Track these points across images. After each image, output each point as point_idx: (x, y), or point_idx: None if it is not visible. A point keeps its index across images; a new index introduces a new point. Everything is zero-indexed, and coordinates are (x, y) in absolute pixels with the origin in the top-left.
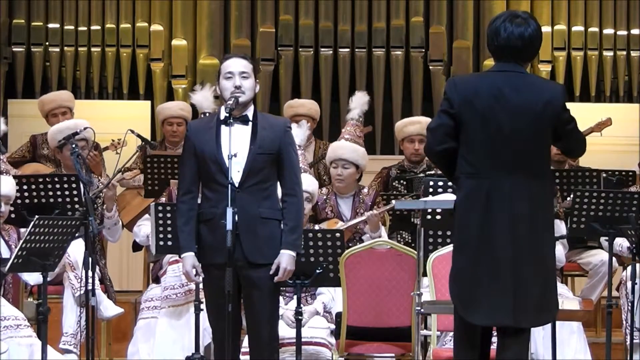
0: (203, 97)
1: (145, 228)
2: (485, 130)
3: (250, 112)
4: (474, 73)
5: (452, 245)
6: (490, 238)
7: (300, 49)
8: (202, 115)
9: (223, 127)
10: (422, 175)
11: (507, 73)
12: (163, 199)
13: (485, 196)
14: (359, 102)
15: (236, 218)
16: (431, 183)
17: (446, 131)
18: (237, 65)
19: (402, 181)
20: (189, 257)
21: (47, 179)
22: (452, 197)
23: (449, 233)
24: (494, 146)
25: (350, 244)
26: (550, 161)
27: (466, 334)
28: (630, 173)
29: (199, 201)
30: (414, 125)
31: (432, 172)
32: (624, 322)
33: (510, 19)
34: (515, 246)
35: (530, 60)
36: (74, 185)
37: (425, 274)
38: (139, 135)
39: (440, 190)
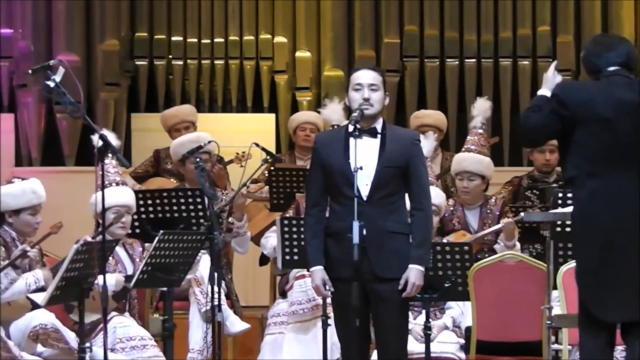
0: (331, 110)
1: (272, 240)
2: (604, 131)
3: (379, 125)
4: (582, 81)
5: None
6: (615, 235)
7: (425, 60)
8: (331, 128)
9: (351, 139)
10: (555, 185)
11: (618, 77)
12: (290, 212)
13: (609, 194)
14: (481, 108)
15: (364, 232)
16: (560, 194)
17: (548, 133)
18: (366, 77)
19: (534, 191)
20: (318, 270)
21: (171, 194)
22: None
23: None
24: (614, 146)
25: (478, 256)
26: None
27: (595, 335)
28: None
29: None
30: None
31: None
32: None
33: (602, 44)
34: None
35: (631, 73)
36: (198, 200)
37: (555, 287)
38: (263, 149)
39: (569, 202)
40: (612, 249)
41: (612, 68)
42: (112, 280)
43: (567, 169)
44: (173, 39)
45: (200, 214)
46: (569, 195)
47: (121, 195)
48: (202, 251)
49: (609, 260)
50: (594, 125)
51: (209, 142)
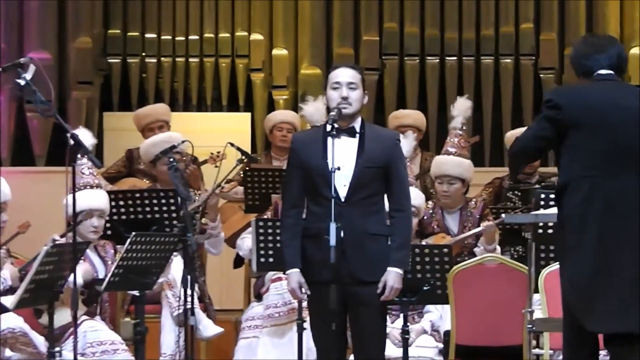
0: (315, 109)
1: (248, 241)
2: (600, 132)
3: (357, 124)
4: (574, 84)
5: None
6: (613, 239)
7: (405, 58)
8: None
9: (329, 139)
10: (537, 186)
11: (611, 82)
12: (269, 214)
13: (605, 196)
14: (461, 108)
15: (341, 233)
16: (542, 196)
17: (544, 143)
18: (344, 75)
19: (516, 192)
20: (295, 273)
21: (144, 194)
22: None
23: None
24: (610, 148)
25: (458, 259)
26: None
27: (580, 343)
28: None
29: (304, 216)
30: None
31: (546, 183)
32: None
33: (592, 45)
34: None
35: (621, 76)
36: (171, 201)
37: (537, 290)
38: (239, 149)
39: (552, 203)
40: (608, 255)
41: (603, 71)
42: (81, 271)
43: (561, 175)
44: (147, 36)
45: (174, 215)
46: (552, 196)
47: (95, 198)
48: (174, 253)
49: (604, 267)
50: (588, 128)
51: (183, 141)
